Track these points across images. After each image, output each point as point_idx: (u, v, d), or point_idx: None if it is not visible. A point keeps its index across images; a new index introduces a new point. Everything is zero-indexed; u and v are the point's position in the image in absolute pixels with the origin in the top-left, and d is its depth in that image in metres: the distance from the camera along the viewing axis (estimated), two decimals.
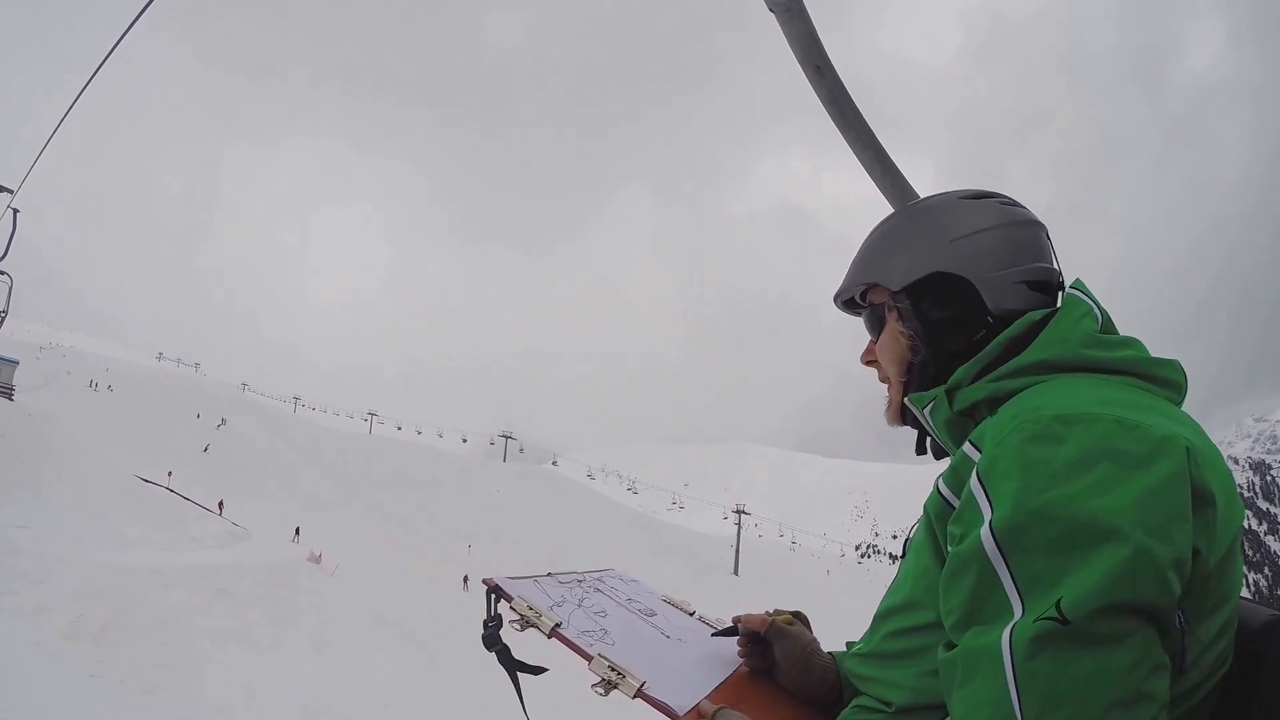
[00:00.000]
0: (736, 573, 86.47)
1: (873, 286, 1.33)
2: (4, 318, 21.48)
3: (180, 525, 29.78)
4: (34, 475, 24.57)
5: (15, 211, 17.31)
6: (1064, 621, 0.87)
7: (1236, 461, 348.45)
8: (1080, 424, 0.96)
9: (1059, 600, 0.88)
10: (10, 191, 16.85)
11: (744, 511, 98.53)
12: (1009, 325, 1.18)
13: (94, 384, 73.00)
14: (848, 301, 1.41)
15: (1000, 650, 0.90)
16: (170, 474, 38.64)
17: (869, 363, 1.38)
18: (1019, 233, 1.25)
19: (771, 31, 1.73)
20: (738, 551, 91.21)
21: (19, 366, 42.18)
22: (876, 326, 1.34)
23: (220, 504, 39.61)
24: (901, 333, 1.29)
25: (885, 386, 1.36)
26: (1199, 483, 0.93)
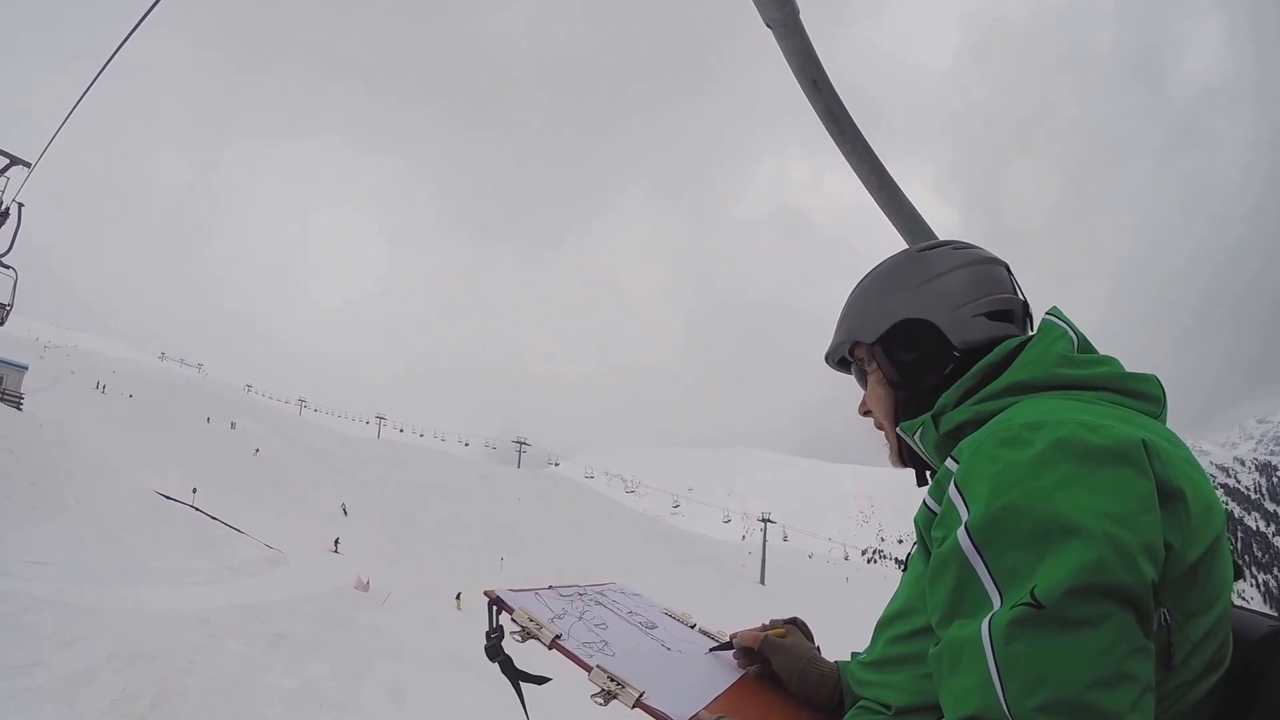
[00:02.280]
0: (763, 582, 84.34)
1: (855, 344, 1.44)
2: (9, 311, 21.21)
3: (213, 551, 26.21)
4: (51, 499, 20.99)
5: (20, 206, 17.01)
6: (1038, 606, 0.92)
7: (1243, 463, 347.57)
8: (1046, 428, 1.03)
9: (1033, 588, 0.93)
10: (28, 165, 14.38)
11: (770, 520, 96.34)
12: (976, 356, 1.29)
13: (102, 387, 68.97)
14: (839, 361, 1.52)
15: (981, 638, 0.95)
16: (195, 491, 34.89)
17: (865, 414, 1.48)
18: (971, 271, 1.35)
19: (770, 43, 1.75)
20: (764, 561, 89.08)
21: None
22: (864, 379, 1.46)
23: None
24: (882, 380, 1.40)
25: (883, 435, 1.46)
26: (1163, 479, 0.99)
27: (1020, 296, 1.37)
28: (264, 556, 28.84)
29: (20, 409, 28.51)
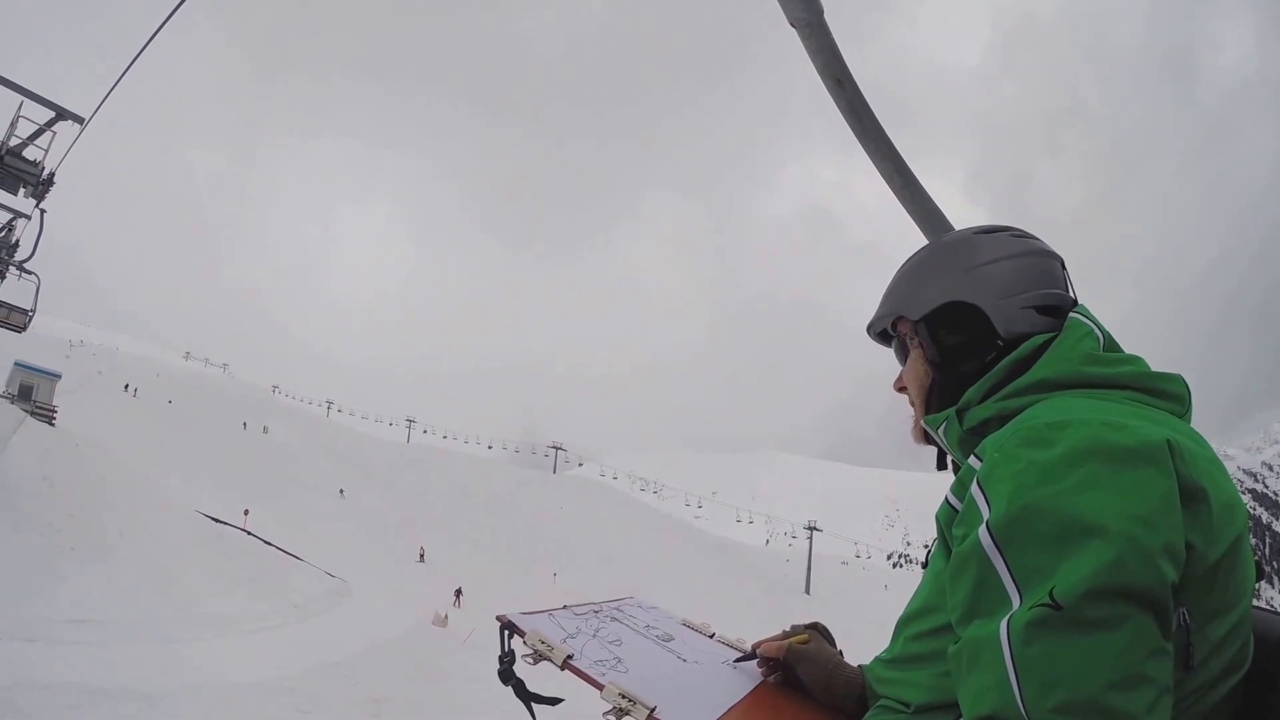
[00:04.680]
0: (808, 591, 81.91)
1: (899, 318, 1.40)
2: (31, 318, 20.91)
3: (274, 584, 22.78)
4: (93, 535, 17.59)
5: (43, 212, 16.54)
6: (1057, 607, 0.91)
7: (1271, 468, 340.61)
8: (1070, 428, 1.01)
9: (1052, 589, 0.92)
10: (80, 120, 12.30)
11: (816, 528, 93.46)
12: (1018, 347, 1.25)
13: (133, 390, 65.82)
14: (880, 333, 1.48)
15: (999, 638, 0.94)
16: (247, 513, 31.28)
17: (900, 389, 1.45)
18: (1026, 262, 1.31)
19: (795, 43, 1.78)
20: (809, 569, 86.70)
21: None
22: (903, 354, 1.42)
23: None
24: (922, 359, 1.37)
25: (912, 409, 1.42)
26: (1187, 479, 0.97)
27: (1071, 294, 1.33)
28: (328, 588, 25.44)
29: (53, 424, 24.88)
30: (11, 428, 18.41)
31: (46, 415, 26.33)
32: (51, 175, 13.34)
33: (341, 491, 54.52)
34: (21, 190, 13.84)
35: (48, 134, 13.08)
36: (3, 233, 19.86)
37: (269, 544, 26.82)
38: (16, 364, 32.78)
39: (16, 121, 12.99)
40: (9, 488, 16.62)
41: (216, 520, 26.48)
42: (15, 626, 13.17)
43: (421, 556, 44.53)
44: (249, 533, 27.17)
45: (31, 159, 13.20)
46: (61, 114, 12.90)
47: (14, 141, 13.10)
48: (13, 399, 28.04)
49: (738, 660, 1.49)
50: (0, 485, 16.43)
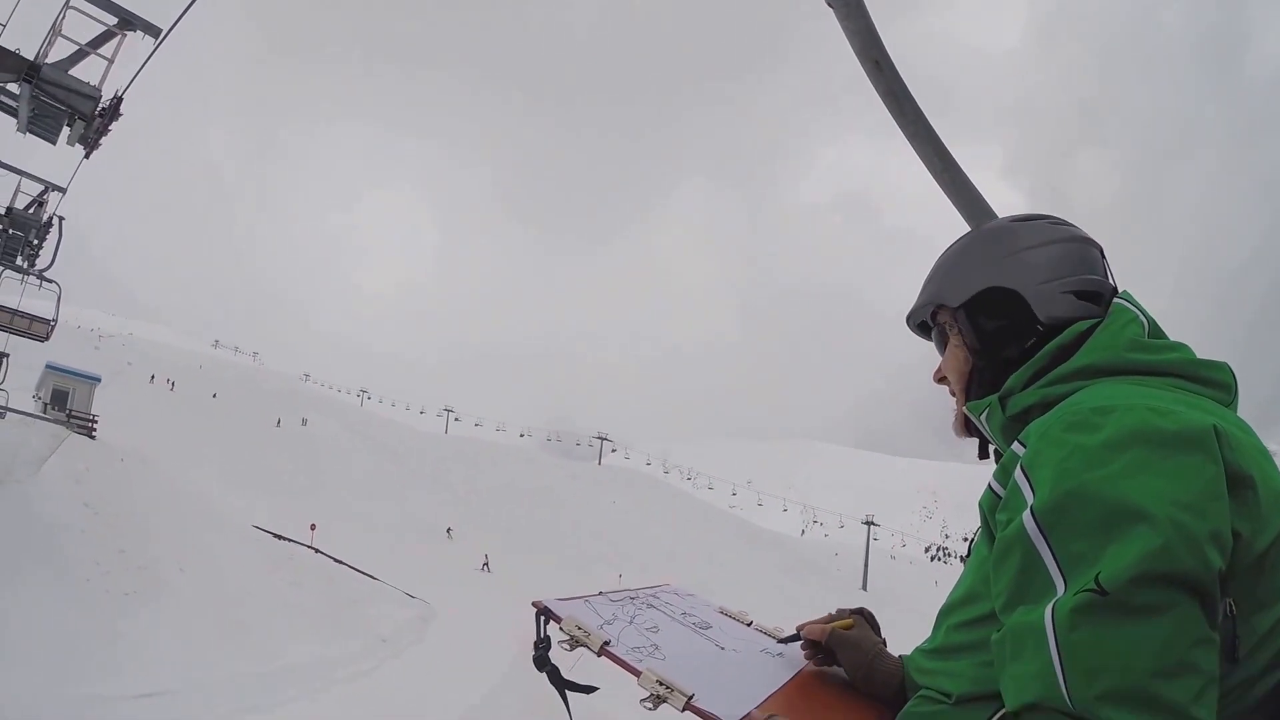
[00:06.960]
0: (865, 588, 78.35)
1: (939, 307, 1.39)
2: (54, 327, 20.51)
3: (356, 616, 19.73)
4: (146, 574, 14.54)
5: (60, 219, 16.36)
6: (1103, 593, 0.89)
7: None
8: (1116, 413, 1.00)
9: (1098, 574, 0.91)
10: (156, 33, 9.54)
11: (874, 523, 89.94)
12: (1059, 333, 1.24)
13: (170, 383, 63.37)
14: (920, 325, 1.47)
15: (1044, 625, 0.93)
16: (314, 527, 27.92)
17: (940, 380, 1.43)
18: (1065, 248, 1.31)
19: (832, 24, 1.73)
20: (866, 565, 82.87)
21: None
22: (942, 343, 1.41)
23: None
24: (961, 346, 1.35)
25: (953, 401, 1.40)
26: (1233, 466, 0.96)
27: (1111, 281, 1.31)
28: (412, 614, 22.39)
29: (93, 436, 21.53)
30: (50, 447, 15.28)
31: (85, 426, 22.74)
32: (118, 100, 9.64)
33: (449, 531, 50.07)
34: (66, 132, 10.19)
35: (109, 46, 9.33)
36: (31, 210, 16.72)
37: (340, 562, 23.65)
38: (49, 366, 29.00)
39: (60, 23, 9.29)
40: (47, 523, 13.47)
41: (279, 537, 23.38)
42: (71, 713, 9.97)
43: (485, 565, 41.22)
44: (318, 550, 24.02)
45: (83, 78, 9.53)
46: (128, 21, 9.25)
47: (55, 57, 9.36)
48: (46, 407, 24.70)
49: (782, 640, 1.46)
50: (36, 521, 13.21)
